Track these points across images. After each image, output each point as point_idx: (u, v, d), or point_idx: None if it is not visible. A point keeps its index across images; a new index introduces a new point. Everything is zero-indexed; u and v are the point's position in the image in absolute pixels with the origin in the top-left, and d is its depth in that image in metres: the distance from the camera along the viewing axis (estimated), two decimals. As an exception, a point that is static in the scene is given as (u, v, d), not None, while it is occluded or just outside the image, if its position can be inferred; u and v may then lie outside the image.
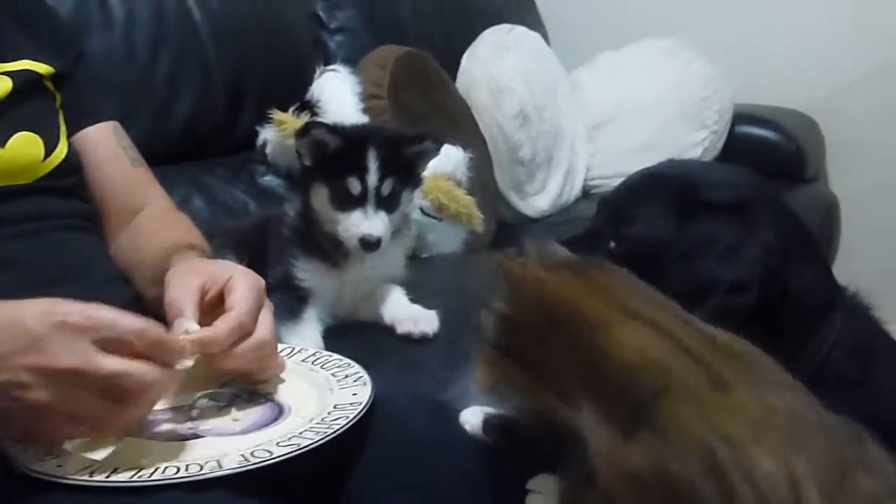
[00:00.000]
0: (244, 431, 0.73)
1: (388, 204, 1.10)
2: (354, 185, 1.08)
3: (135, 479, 0.63)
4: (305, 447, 0.66)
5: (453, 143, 1.63)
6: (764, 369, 0.59)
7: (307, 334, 1.04)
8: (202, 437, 0.71)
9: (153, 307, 0.86)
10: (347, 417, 0.71)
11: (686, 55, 2.33)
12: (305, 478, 0.70)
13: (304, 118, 1.63)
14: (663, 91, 2.30)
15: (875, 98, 2.34)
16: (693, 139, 2.26)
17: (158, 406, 0.72)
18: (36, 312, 0.62)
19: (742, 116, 2.33)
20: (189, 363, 0.71)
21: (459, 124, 1.87)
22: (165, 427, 0.73)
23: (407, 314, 1.10)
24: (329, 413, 0.72)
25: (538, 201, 2.11)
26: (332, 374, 0.81)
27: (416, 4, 2.11)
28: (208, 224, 1.23)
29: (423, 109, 1.80)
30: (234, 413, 0.76)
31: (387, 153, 1.09)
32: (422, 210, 1.53)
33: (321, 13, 1.93)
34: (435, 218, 1.56)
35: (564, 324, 0.60)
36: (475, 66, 2.05)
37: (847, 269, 2.31)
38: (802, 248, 0.84)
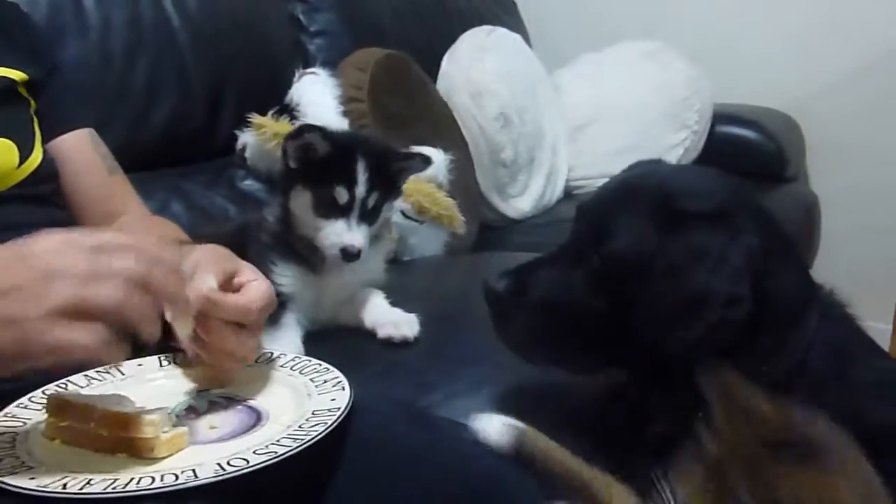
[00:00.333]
0: (221, 439, 0.72)
1: (370, 216, 1.10)
2: (342, 195, 1.07)
3: (109, 490, 0.62)
4: (282, 455, 0.66)
5: (434, 146, 1.62)
6: None
7: (287, 340, 1.03)
8: (179, 445, 0.71)
9: None
10: (325, 423, 0.70)
11: (666, 56, 2.34)
12: (284, 485, 0.69)
13: (284, 122, 1.62)
14: (644, 92, 2.30)
15: (855, 97, 2.35)
16: (674, 139, 2.27)
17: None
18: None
19: (723, 116, 2.34)
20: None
21: (440, 127, 1.87)
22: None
23: (387, 318, 1.10)
24: (307, 419, 0.72)
25: (520, 203, 2.11)
26: (311, 380, 0.81)
27: (396, 7, 2.10)
28: (188, 230, 1.22)
29: (404, 112, 1.79)
30: (212, 420, 0.76)
31: (376, 165, 1.08)
32: (403, 213, 1.52)
33: (300, 16, 1.92)
34: (416, 221, 1.55)
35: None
36: (455, 68, 2.05)
37: (827, 268, 2.34)
38: (781, 248, 0.84)
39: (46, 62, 1.09)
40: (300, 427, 0.70)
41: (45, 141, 1.03)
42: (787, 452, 0.61)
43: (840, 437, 0.64)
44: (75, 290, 0.60)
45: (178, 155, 1.60)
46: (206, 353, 0.77)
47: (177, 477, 0.63)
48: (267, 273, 1.07)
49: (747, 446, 0.62)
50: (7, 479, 0.63)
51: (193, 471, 0.64)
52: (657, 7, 2.57)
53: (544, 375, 0.94)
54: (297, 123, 1.60)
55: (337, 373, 0.81)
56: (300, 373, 0.83)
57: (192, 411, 0.78)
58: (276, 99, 1.70)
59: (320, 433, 0.69)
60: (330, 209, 1.07)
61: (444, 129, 1.88)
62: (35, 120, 1.02)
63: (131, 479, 0.63)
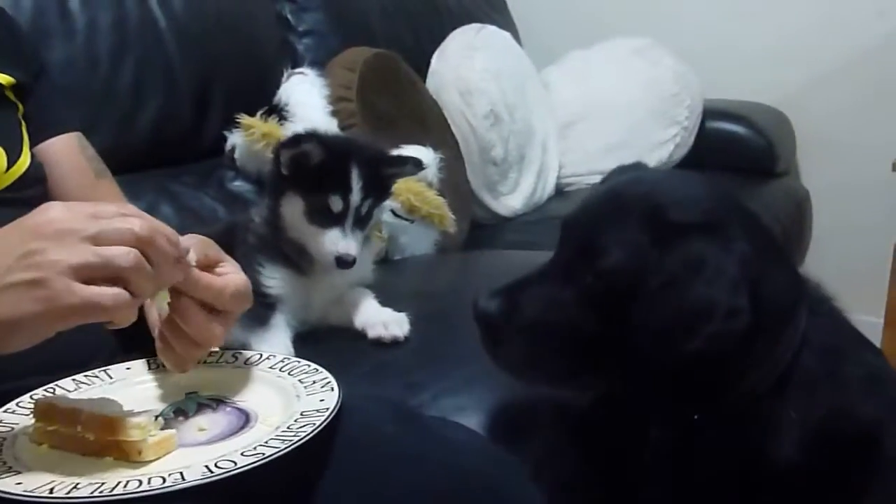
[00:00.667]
0: (210, 441, 0.72)
1: (363, 222, 1.09)
2: (336, 204, 1.06)
3: (96, 494, 0.61)
4: (270, 456, 0.65)
5: (424, 145, 1.62)
6: None
7: (276, 341, 1.03)
8: (167, 448, 0.70)
9: None
10: (314, 424, 0.70)
11: (655, 53, 2.35)
12: (272, 486, 0.69)
13: (273, 122, 1.61)
14: (634, 88, 2.31)
15: (846, 92, 2.36)
16: (664, 136, 2.27)
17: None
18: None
19: (713, 112, 2.34)
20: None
21: (430, 125, 1.87)
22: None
23: (377, 318, 1.09)
24: (295, 420, 0.72)
25: (511, 201, 2.12)
26: (300, 381, 0.80)
27: (385, 5, 2.10)
28: (177, 231, 1.22)
29: (393, 111, 1.79)
30: (200, 423, 0.76)
31: (369, 172, 1.08)
32: (393, 212, 1.52)
33: (288, 16, 1.92)
34: (406, 220, 1.55)
35: None
36: (445, 66, 2.05)
37: (818, 263, 2.35)
38: (769, 249, 0.83)
39: (33, 65, 1.08)
40: (289, 428, 0.70)
41: (32, 145, 1.02)
42: None
43: None
44: (91, 249, 0.62)
45: (165, 156, 1.59)
46: (173, 334, 0.76)
47: (164, 480, 0.63)
48: (255, 275, 1.07)
49: None
50: (-7, 485, 0.63)
51: (181, 473, 0.64)
52: (646, 4, 2.58)
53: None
54: (290, 129, 1.60)
55: (326, 374, 0.81)
56: (289, 374, 0.83)
57: (180, 414, 0.77)
58: (264, 99, 1.69)
59: (308, 434, 0.68)
60: (323, 217, 1.07)
61: (434, 127, 1.88)
62: (23, 124, 1.02)
63: (118, 483, 0.63)
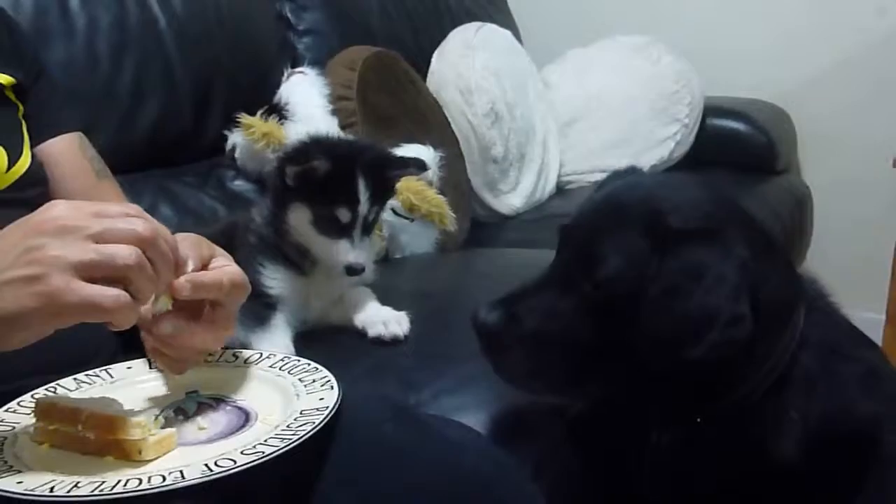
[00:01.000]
0: (209, 440, 0.72)
1: (369, 228, 1.10)
2: (344, 215, 1.06)
3: (96, 492, 0.62)
4: (270, 455, 0.65)
5: (424, 143, 1.63)
6: None
7: (276, 341, 1.03)
8: (167, 447, 0.71)
9: None
10: (313, 423, 0.70)
11: (655, 50, 2.35)
12: (271, 486, 0.69)
13: (273, 121, 1.62)
14: (634, 86, 2.31)
15: (846, 89, 2.36)
16: (664, 133, 2.27)
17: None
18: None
19: (713, 109, 2.34)
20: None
21: (430, 124, 1.87)
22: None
23: (377, 317, 1.10)
24: (295, 419, 0.72)
25: (512, 199, 2.12)
26: (300, 380, 0.81)
27: (385, 4, 2.10)
28: (177, 231, 1.22)
29: (393, 110, 1.79)
30: (200, 422, 0.76)
31: (375, 179, 1.08)
32: (393, 210, 1.52)
33: (288, 15, 1.92)
34: (406, 218, 1.55)
35: None
36: (444, 65, 2.05)
37: (820, 259, 2.35)
38: (767, 252, 0.83)
39: (33, 66, 1.08)
40: (288, 427, 0.70)
41: (33, 145, 1.03)
42: None
43: None
44: (92, 247, 0.62)
45: (165, 156, 1.59)
46: (167, 342, 0.76)
47: (164, 478, 0.63)
48: (256, 275, 1.07)
49: None
50: (-6, 484, 0.63)
51: (181, 472, 0.64)
52: (646, 2, 2.58)
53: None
54: (291, 128, 1.60)
55: (326, 372, 0.81)
56: (289, 373, 0.83)
57: (180, 413, 0.78)
58: (264, 98, 1.70)
59: (308, 432, 0.68)
60: (331, 227, 1.07)
61: (435, 126, 1.88)
62: (24, 124, 1.02)
63: (118, 482, 0.63)
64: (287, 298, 1.09)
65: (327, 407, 0.73)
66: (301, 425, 0.70)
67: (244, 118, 1.61)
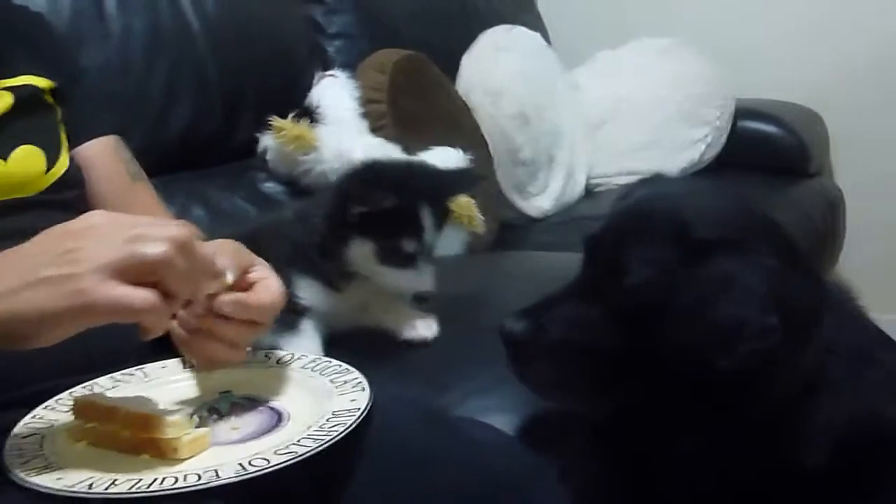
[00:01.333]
0: (242, 440, 0.73)
1: (431, 251, 1.09)
2: (410, 246, 1.05)
3: (133, 490, 0.63)
4: (303, 455, 0.66)
5: (453, 146, 1.63)
6: None
7: (306, 345, 1.02)
8: (202, 446, 0.72)
9: None
10: (345, 424, 0.71)
11: (685, 52, 2.33)
12: (302, 486, 0.70)
13: (304, 124, 1.63)
14: (663, 88, 2.29)
15: (880, 90, 2.33)
16: (694, 136, 2.26)
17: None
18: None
19: (744, 111, 2.32)
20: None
21: (459, 126, 1.87)
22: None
23: (406, 319, 1.10)
24: (327, 420, 0.73)
25: (540, 201, 2.11)
26: (331, 381, 0.81)
27: (414, 8, 2.11)
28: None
29: (422, 112, 1.80)
30: (234, 421, 0.77)
31: (437, 206, 1.07)
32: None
33: (319, 19, 1.93)
34: (436, 221, 1.55)
35: None
36: (473, 67, 2.05)
37: (852, 263, 2.32)
38: (792, 260, 0.82)
39: (70, 69, 1.10)
40: (320, 427, 0.71)
41: (70, 148, 1.04)
42: None
43: None
44: (124, 246, 0.64)
45: (197, 158, 1.61)
46: (208, 342, 0.78)
47: (200, 477, 0.64)
48: (287, 285, 1.07)
49: None
50: (34, 479, 0.65)
51: (216, 471, 0.65)
52: (676, 4, 2.56)
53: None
54: (322, 131, 1.60)
55: (357, 373, 0.82)
56: (321, 374, 0.84)
57: (214, 413, 0.79)
58: (295, 101, 1.71)
59: (340, 433, 0.69)
60: (396, 258, 1.05)
61: (464, 128, 1.88)
62: (62, 127, 1.04)
63: (155, 479, 0.64)
64: (318, 311, 1.08)
65: (359, 408, 0.74)
66: (333, 426, 0.71)
67: (275, 121, 1.62)
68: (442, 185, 1.13)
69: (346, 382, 0.81)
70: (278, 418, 0.77)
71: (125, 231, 0.65)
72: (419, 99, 1.81)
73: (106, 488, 0.63)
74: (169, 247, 0.64)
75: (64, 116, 1.05)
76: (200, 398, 0.82)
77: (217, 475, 0.64)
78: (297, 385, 0.83)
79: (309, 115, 1.68)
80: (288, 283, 1.04)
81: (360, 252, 1.06)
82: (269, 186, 1.69)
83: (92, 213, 0.68)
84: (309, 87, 1.75)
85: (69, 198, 1.00)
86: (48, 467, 0.67)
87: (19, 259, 0.65)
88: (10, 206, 0.91)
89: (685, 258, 0.78)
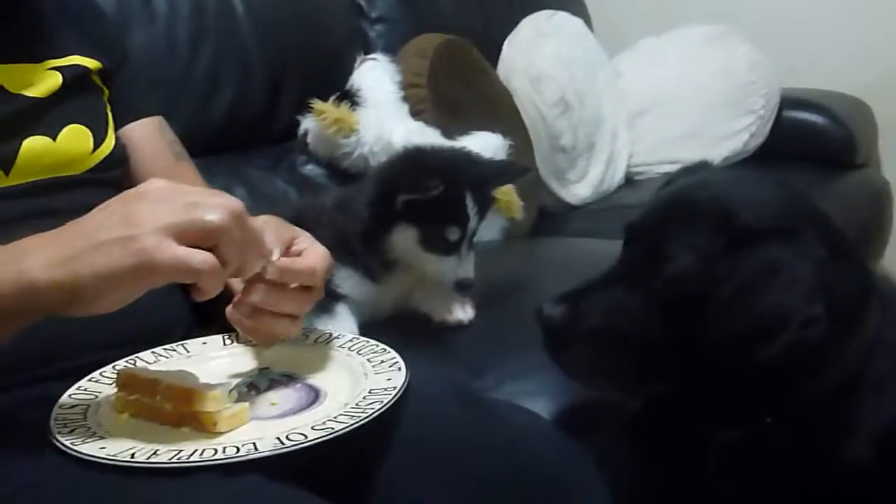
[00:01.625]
0: (281, 415, 0.74)
1: (472, 239, 1.09)
2: (454, 233, 1.06)
3: (174, 460, 0.64)
4: (340, 431, 0.67)
5: (493, 131, 1.63)
6: None
7: (342, 327, 1.03)
8: (241, 420, 0.73)
9: None
10: (381, 402, 0.72)
11: (730, 40, 2.29)
12: (338, 462, 0.71)
13: (345, 107, 1.64)
14: (707, 77, 2.26)
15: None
16: (738, 125, 2.22)
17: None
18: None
19: (790, 101, 2.28)
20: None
21: (500, 112, 1.87)
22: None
23: (442, 302, 1.10)
24: (364, 398, 0.73)
25: (579, 189, 2.10)
26: (368, 360, 0.82)
27: (457, -8, 2.10)
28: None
29: (463, 97, 1.80)
30: (272, 397, 0.78)
31: (481, 194, 1.08)
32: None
33: (361, 3, 1.93)
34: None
35: None
36: (515, 53, 2.04)
37: (899, 256, 2.27)
38: (841, 251, 0.80)
39: (118, 52, 1.12)
40: (357, 405, 0.72)
41: (116, 128, 1.06)
42: None
43: None
44: (185, 210, 0.65)
45: (239, 140, 1.62)
46: (264, 315, 0.79)
47: (238, 449, 0.65)
48: None
49: None
50: (79, 448, 0.66)
51: (254, 444, 0.66)
52: (721, -9, 2.52)
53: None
54: (362, 114, 1.60)
55: (393, 353, 0.82)
56: (358, 353, 0.84)
57: (253, 388, 0.80)
58: (336, 85, 1.72)
59: (376, 411, 0.70)
60: (440, 245, 1.06)
61: (504, 114, 1.88)
62: (108, 107, 1.06)
63: (195, 451, 0.65)
64: (356, 300, 1.09)
65: (395, 387, 0.74)
66: (370, 404, 0.71)
67: (316, 104, 1.63)
68: (487, 173, 1.13)
69: (382, 362, 0.81)
70: (315, 395, 0.78)
71: (185, 197, 0.67)
72: (460, 84, 1.81)
73: (148, 458, 0.65)
74: (227, 215, 0.65)
75: (111, 97, 1.07)
76: (240, 374, 0.83)
77: (255, 448, 0.65)
78: (334, 363, 0.84)
79: (350, 98, 1.68)
80: None
81: (404, 239, 1.07)
82: (310, 169, 1.70)
83: (152, 179, 0.70)
84: (350, 71, 1.75)
85: (115, 176, 1.01)
86: (92, 437, 0.69)
87: (81, 228, 0.66)
88: (58, 183, 0.93)
89: (730, 246, 0.77)
